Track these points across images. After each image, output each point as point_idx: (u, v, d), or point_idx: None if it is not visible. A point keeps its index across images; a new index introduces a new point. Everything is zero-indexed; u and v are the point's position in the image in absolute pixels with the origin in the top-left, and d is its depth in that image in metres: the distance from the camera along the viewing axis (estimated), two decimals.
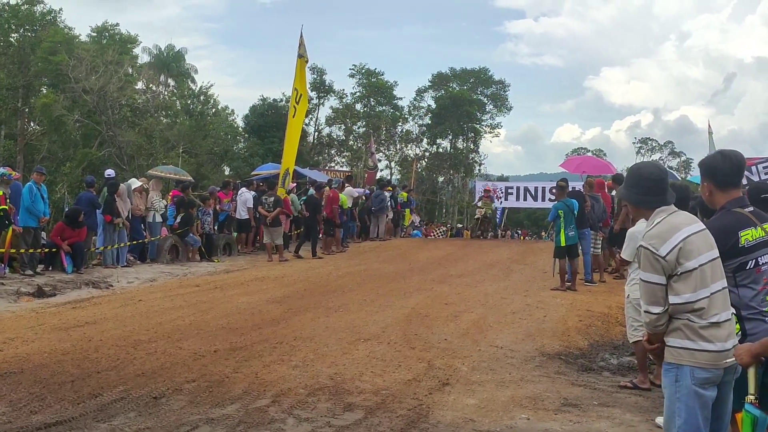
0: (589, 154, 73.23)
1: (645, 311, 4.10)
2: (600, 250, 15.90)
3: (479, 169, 68.24)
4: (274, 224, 19.70)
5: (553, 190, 34.04)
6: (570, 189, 15.27)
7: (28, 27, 40.18)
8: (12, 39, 40.24)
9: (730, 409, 4.09)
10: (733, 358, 3.93)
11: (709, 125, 32.79)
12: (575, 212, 14.34)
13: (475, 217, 28.65)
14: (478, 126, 66.88)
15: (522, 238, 54.21)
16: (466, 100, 63.10)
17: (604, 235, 15.93)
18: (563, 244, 14.13)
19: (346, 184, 24.80)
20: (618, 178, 16.53)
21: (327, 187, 22.83)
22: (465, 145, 67.63)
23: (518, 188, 37.69)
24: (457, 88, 65.54)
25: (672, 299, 4.00)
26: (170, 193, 20.21)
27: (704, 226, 4.18)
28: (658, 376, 7.67)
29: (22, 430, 5.80)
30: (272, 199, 19.85)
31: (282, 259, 19.40)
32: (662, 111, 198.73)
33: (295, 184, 25.23)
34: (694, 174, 43.83)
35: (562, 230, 14.15)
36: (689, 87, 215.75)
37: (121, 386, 7.16)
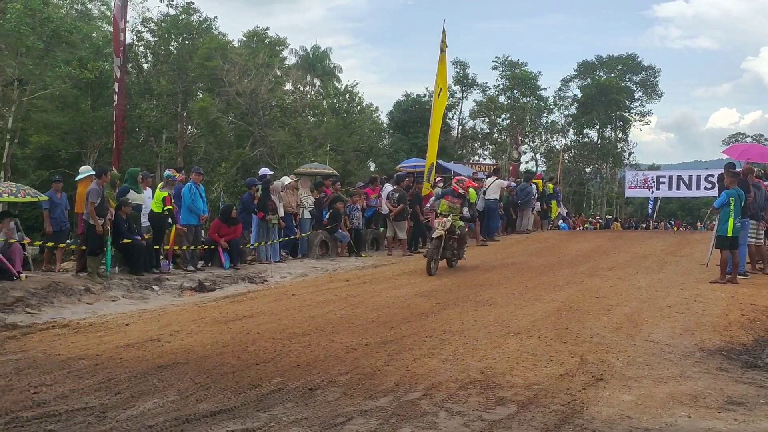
0: (749, 139, 70.04)
1: None
2: (762, 241, 15.16)
3: (629, 159, 66.36)
4: (398, 218, 19.85)
5: (710, 178, 32.97)
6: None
7: (186, 36, 42.04)
8: (172, 48, 42.22)
9: None
10: None
11: None
12: (743, 202, 13.75)
13: (434, 235, 15.50)
14: (626, 114, 65.01)
15: (675, 229, 52.38)
16: (613, 88, 61.46)
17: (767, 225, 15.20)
18: (730, 234, 13.50)
19: (495, 177, 24.52)
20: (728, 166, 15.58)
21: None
22: (613, 134, 65.91)
23: (671, 177, 36.55)
24: (604, 76, 63.91)
25: None
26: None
27: None
28: None
29: (191, 417, 6.12)
30: (397, 194, 20.03)
31: (405, 254, 19.54)
32: None
33: (441, 178, 25.27)
34: None
35: (731, 219, 13.52)
36: None
37: (278, 377, 7.43)
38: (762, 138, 73.86)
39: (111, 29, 34.03)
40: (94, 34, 40.59)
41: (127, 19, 17.12)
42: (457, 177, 17.17)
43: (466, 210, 16.07)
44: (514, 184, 27.00)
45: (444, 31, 23.73)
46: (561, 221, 34.43)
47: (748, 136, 78.82)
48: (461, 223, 15.92)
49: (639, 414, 6.35)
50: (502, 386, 7.13)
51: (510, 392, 6.93)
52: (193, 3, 42.48)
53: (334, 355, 8.36)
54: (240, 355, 8.41)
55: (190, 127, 44.11)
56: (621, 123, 65.46)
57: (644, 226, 47.45)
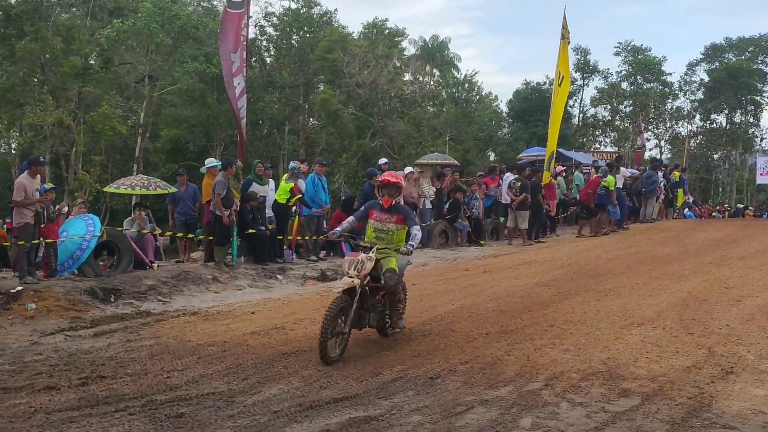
0: None
1: None
2: None
3: (760, 144, 63.54)
4: (520, 208, 19.67)
5: None
6: None
7: (307, 29, 42.78)
8: (293, 41, 43.06)
9: None
10: None
11: None
12: None
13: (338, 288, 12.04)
14: (758, 98, 62.23)
15: None
16: (744, 71, 58.83)
17: None
18: None
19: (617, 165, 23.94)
20: None
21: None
22: (743, 119, 63.27)
23: None
24: (734, 59, 61.32)
25: None
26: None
27: None
28: None
29: (314, 404, 6.28)
30: (519, 183, 19.83)
31: (525, 243, 19.34)
32: None
33: (563, 167, 24.93)
34: None
35: None
36: None
37: (399, 366, 7.53)
38: None
39: None
40: (219, 30, 41.79)
41: (250, 14, 17.30)
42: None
43: (404, 248, 8.43)
44: (637, 172, 26.36)
45: (565, 18, 23.41)
46: (687, 210, 33.39)
47: None
48: (393, 263, 8.43)
49: None
50: (625, 377, 7.01)
51: (634, 384, 6.81)
52: None
53: (454, 344, 8.41)
54: (361, 343, 8.55)
55: (311, 118, 44.90)
56: (752, 107, 62.68)
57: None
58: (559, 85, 23.44)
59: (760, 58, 62.03)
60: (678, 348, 8.06)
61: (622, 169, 23.68)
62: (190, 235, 15.12)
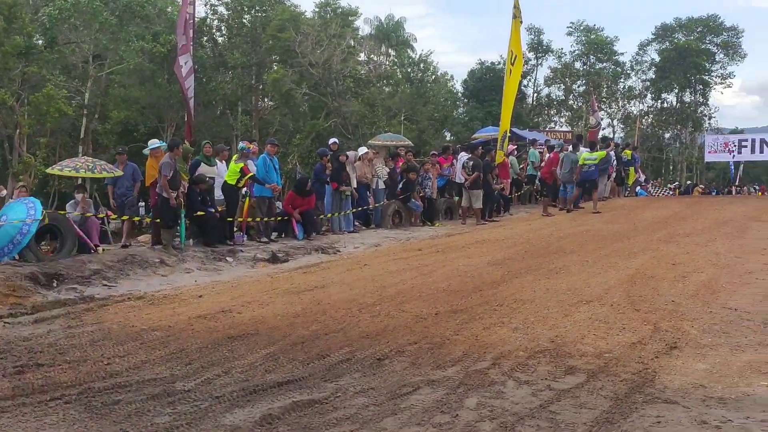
0: None
1: None
2: None
3: (709, 123, 64.44)
4: (473, 187, 19.68)
5: None
6: None
7: (259, 8, 42.27)
8: (245, 20, 42.54)
9: None
10: None
11: None
12: None
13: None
14: (707, 77, 63.04)
15: (760, 194, 50.80)
16: (693, 51, 59.55)
17: None
18: None
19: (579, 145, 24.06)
20: None
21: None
22: (693, 98, 64.06)
23: (753, 140, 35.50)
24: (683, 39, 62.01)
25: None
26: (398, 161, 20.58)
27: None
28: None
29: (258, 388, 6.16)
30: (472, 162, 19.86)
31: (479, 223, 19.37)
32: None
33: (515, 146, 24.97)
34: None
35: None
36: None
37: (346, 348, 7.44)
38: None
39: None
40: (169, 9, 41.17)
41: None
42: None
43: None
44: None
45: None
46: (639, 188, 33.75)
47: None
48: None
49: (713, 383, 6.14)
50: (572, 355, 7.00)
51: (580, 361, 6.80)
52: None
53: (403, 325, 8.33)
54: (310, 325, 8.45)
55: (264, 99, 44.47)
56: (701, 87, 63.50)
57: (727, 191, 46.19)
58: (512, 64, 23.47)
59: (708, 39, 62.89)
60: (624, 324, 8.08)
61: (581, 147, 23.82)
62: (125, 217, 14.80)
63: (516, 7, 23.27)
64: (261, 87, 42.92)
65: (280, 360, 7.06)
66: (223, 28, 43.24)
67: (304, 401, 5.81)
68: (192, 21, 16.77)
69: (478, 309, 9.04)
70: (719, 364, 6.66)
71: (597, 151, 22.24)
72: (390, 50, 54.62)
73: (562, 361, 6.79)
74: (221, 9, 42.39)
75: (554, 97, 60.81)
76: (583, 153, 21.82)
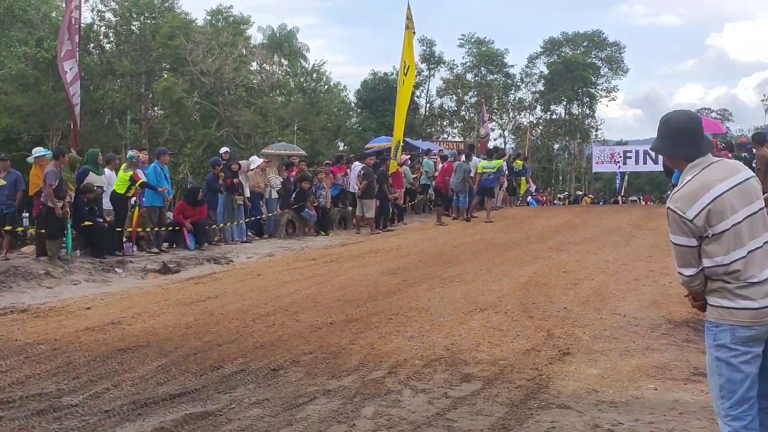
0: (714, 114, 70.42)
1: (678, 272, 3.95)
2: None
3: (596, 135, 66.60)
4: (364, 196, 19.75)
5: None
6: None
7: (148, 15, 41.38)
8: (134, 27, 41.58)
9: None
10: None
11: None
12: None
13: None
14: (593, 90, 65.16)
15: (644, 203, 52.71)
16: (579, 65, 61.44)
17: None
18: None
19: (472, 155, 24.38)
20: (758, 136, 15.44)
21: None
22: (580, 110, 66.06)
23: (637, 152, 36.78)
24: (570, 53, 63.95)
25: (705, 262, 3.82)
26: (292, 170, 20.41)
27: (748, 176, 3.89)
28: None
29: (149, 401, 5.98)
30: (363, 171, 19.92)
31: (373, 232, 19.43)
32: None
33: (408, 156, 25.16)
34: None
35: None
36: None
37: (240, 358, 7.31)
38: (726, 113, 74.45)
39: None
40: (53, 14, 39.87)
41: None
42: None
43: None
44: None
45: (409, 8, 23.61)
46: (530, 197, 34.52)
47: (713, 111, 79.44)
48: None
49: (605, 387, 6.31)
50: (467, 362, 7.05)
51: (475, 368, 6.86)
52: None
53: (298, 335, 8.25)
54: (203, 336, 8.27)
55: (154, 107, 43.52)
56: (588, 99, 65.58)
57: (613, 201, 47.73)
58: (405, 74, 23.63)
59: (593, 53, 65.01)
60: (518, 331, 8.21)
61: (474, 157, 24.17)
62: (8, 228, 14.13)
63: (408, 18, 23.46)
64: (151, 95, 42.01)
65: (172, 372, 6.87)
66: (110, 34, 42.15)
67: (198, 413, 5.66)
68: (78, 26, 16.24)
69: (373, 318, 9.03)
70: (610, 369, 6.83)
71: (494, 159, 22.63)
72: (283, 60, 54.30)
73: (458, 369, 6.84)
74: (109, 15, 41.36)
75: (447, 107, 61.65)
76: (482, 162, 22.18)
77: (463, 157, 22.54)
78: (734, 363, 3.77)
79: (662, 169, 35.44)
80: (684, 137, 3.97)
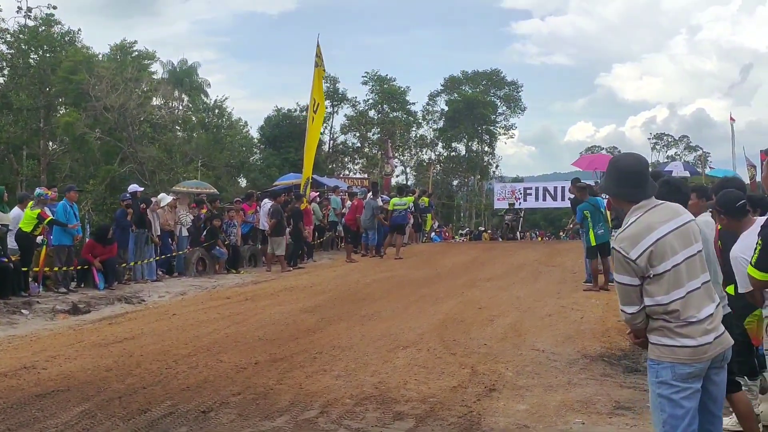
0: (603, 151, 72.96)
1: (621, 310, 4.15)
2: None
3: (494, 171, 68.06)
4: (274, 234, 19.72)
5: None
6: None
7: (47, 48, 40.23)
8: (31, 60, 40.32)
9: (723, 391, 4.21)
10: (718, 349, 4.02)
11: (731, 117, 33.19)
12: (602, 210, 14.26)
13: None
14: (492, 128, 66.69)
15: (540, 239, 53.98)
16: (479, 102, 62.91)
17: None
18: (594, 243, 14.02)
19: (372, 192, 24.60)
20: (655, 174, 16.03)
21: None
22: (480, 147, 67.45)
23: (537, 189, 37.72)
24: (470, 91, 65.40)
25: (646, 301, 4.05)
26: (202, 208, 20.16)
27: (688, 220, 4.17)
28: None
29: None
30: (272, 209, 19.90)
31: (284, 270, 19.39)
32: (678, 105, 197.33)
33: (317, 193, 25.23)
34: (714, 168, 43.61)
35: (591, 230, 14.05)
36: (704, 80, 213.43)
37: (168, 401, 7.19)
38: (615, 150, 77.28)
39: None
40: None
41: None
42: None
43: None
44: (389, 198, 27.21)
45: (318, 45, 23.83)
46: (434, 233, 34.95)
47: (603, 148, 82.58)
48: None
49: (535, 422, 6.48)
50: (397, 400, 7.13)
51: (406, 406, 6.94)
52: (53, 15, 40.69)
53: (223, 375, 8.17)
54: (125, 378, 8.09)
55: (51, 143, 42.14)
56: (487, 136, 67.06)
57: (511, 236, 48.64)
58: (315, 112, 23.79)
59: (492, 91, 66.65)
60: (443, 369, 8.34)
61: (380, 194, 24.42)
62: None
63: (318, 56, 23.68)
64: (49, 130, 40.73)
65: (98, 417, 6.71)
66: (5, 67, 40.71)
67: None
68: None
69: (298, 357, 9.03)
70: (537, 404, 7.01)
71: (405, 197, 23.02)
72: (184, 95, 53.63)
73: (389, 407, 6.90)
74: (2, 47, 40.02)
75: (350, 144, 61.95)
76: (393, 199, 22.51)
77: (370, 194, 22.77)
78: (675, 399, 3.98)
79: (560, 206, 36.54)
80: (629, 179, 4.19)
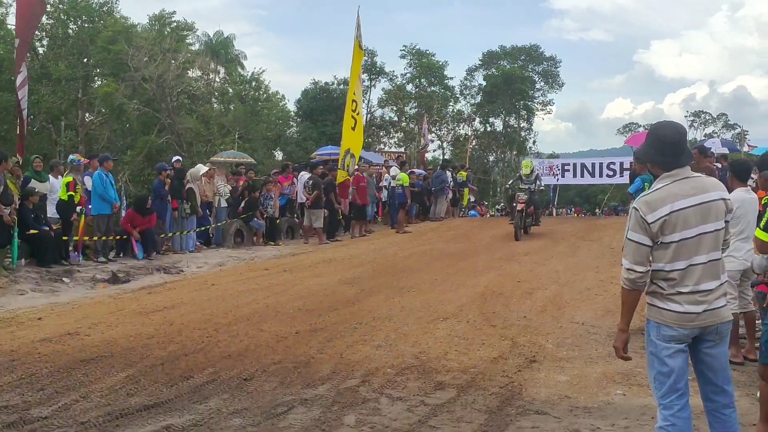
0: (641, 129, 72.08)
1: (628, 268, 4.27)
2: None
3: (530, 147, 67.46)
4: (313, 207, 19.71)
5: (611, 166, 33.93)
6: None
7: (86, 18, 40.42)
8: (70, 31, 40.57)
9: (724, 364, 4.36)
10: (707, 321, 4.19)
11: None
12: None
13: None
14: (530, 103, 66.05)
15: (576, 215, 53.60)
16: (517, 78, 62.26)
17: None
18: None
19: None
20: (702, 148, 15.68)
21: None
22: (517, 123, 66.91)
23: (575, 165, 37.22)
24: (508, 66, 64.77)
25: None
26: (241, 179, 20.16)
27: (716, 198, 4.22)
28: (750, 350, 7.52)
29: (123, 412, 5.87)
30: (311, 181, 19.86)
31: (322, 243, 19.41)
32: (718, 82, 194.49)
33: (357, 167, 25.15)
34: (754, 147, 42.74)
35: None
36: (745, 57, 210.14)
37: (210, 368, 7.24)
38: None
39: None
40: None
41: None
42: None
43: None
44: (425, 172, 27.08)
45: (359, 16, 23.66)
46: (471, 209, 34.78)
47: (641, 125, 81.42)
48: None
49: (576, 393, 6.45)
50: (438, 371, 7.11)
51: (447, 376, 6.92)
52: None
53: (264, 344, 8.20)
54: (166, 346, 8.16)
55: (89, 114, 42.41)
56: (525, 112, 66.44)
57: (547, 213, 48.38)
58: (354, 93, 23.64)
59: (530, 66, 65.92)
60: (483, 340, 8.31)
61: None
62: None
63: (358, 27, 23.44)
64: (87, 101, 41.04)
65: (142, 382, 6.77)
66: (44, 38, 41.02)
67: (178, 424, 5.59)
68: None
69: (338, 327, 9.04)
70: (578, 375, 6.96)
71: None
72: (220, 67, 53.71)
73: (430, 377, 6.89)
74: (42, 18, 40.28)
75: (387, 118, 61.72)
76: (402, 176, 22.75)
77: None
78: (660, 356, 4.26)
79: (597, 183, 36.18)
80: (666, 149, 4.25)
